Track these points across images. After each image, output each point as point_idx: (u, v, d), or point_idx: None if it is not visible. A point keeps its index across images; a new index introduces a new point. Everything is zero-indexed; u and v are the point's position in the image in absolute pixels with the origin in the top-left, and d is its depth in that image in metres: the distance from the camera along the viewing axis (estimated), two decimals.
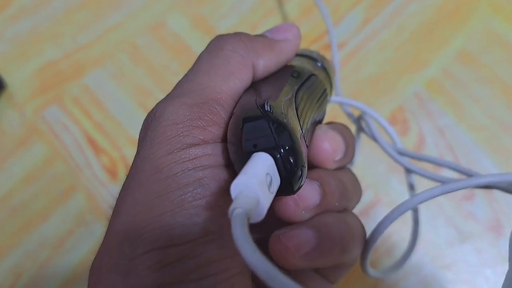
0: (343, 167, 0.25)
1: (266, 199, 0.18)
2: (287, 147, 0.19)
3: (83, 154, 0.44)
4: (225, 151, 0.21)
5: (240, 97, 0.23)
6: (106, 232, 0.20)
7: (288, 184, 0.20)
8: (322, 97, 0.26)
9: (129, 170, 0.21)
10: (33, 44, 0.47)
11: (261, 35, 0.26)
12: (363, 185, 0.42)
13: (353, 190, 0.24)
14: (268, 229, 0.22)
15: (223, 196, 0.20)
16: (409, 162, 0.32)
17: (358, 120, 0.35)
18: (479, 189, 0.41)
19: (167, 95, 0.22)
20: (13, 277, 0.41)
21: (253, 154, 0.19)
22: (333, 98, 0.30)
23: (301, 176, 0.20)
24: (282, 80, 0.24)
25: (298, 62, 0.27)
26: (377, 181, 0.43)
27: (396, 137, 0.33)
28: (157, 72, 0.46)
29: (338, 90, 0.39)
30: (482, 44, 0.46)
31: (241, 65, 0.23)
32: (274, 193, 0.19)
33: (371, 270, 0.28)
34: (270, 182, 0.18)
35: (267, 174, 0.18)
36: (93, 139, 0.45)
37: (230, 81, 0.22)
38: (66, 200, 0.43)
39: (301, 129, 0.21)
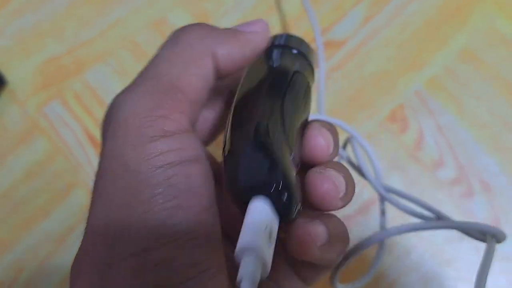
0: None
1: (270, 254, 0.18)
2: (283, 189, 0.20)
3: (84, 150, 0.44)
4: (192, 143, 0.20)
5: (230, 120, 0.22)
6: (84, 235, 0.20)
7: (286, 219, 0.20)
8: (306, 94, 0.26)
9: (97, 169, 0.20)
10: (35, 39, 0.47)
11: (228, 28, 0.25)
12: (361, 183, 0.43)
13: (350, 189, 0.24)
14: None
15: (193, 194, 0.19)
16: (393, 197, 0.32)
17: (344, 144, 0.35)
18: (479, 187, 0.42)
19: (128, 85, 0.22)
20: (14, 272, 0.41)
21: (251, 203, 0.19)
22: (314, 116, 0.30)
23: (297, 206, 0.20)
24: (265, 96, 0.23)
25: (276, 60, 0.26)
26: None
27: (380, 172, 0.34)
28: None
29: (321, 107, 0.39)
30: (484, 42, 0.46)
31: (201, 53, 0.22)
32: (275, 240, 0.19)
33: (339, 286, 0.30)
34: (270, 232, 0.19)
35: (266, 226, 0.19)
36: (93, 136, 0.45)
37: (190, 69, 0.22)
38: (67, 196, 0.43)
39: (290, 148, 0.22)
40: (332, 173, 0.22)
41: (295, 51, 0.27)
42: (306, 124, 0.25)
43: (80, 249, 0.20)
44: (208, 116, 0.28)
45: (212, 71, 0.23)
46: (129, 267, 0.18)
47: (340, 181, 0.22)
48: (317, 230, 0.21)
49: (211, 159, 0.27)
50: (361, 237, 0.28)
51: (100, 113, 0.45)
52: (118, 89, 0.44)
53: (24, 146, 0.44)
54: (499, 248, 0.40)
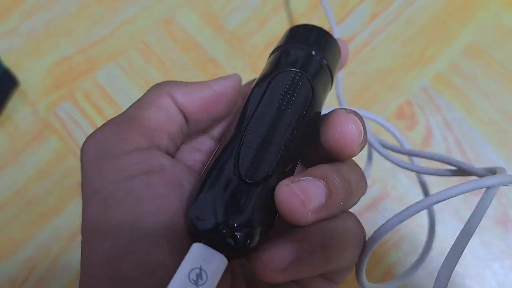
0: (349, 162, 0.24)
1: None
2: (226, 232, 0.19)
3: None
4: (151, 157, 0.22)
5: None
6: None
7: (237, 255, 0.20)
8: (328, 89, 0.25)
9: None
10: (46, 40, 0.48)
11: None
12: (370, 179, 0.43)
13: (358, 186, 0.23)
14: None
15: (158, 201, 0.20)
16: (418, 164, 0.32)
17: None
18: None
19: None
20: (27, 270, 0.42)
21: (192, 246, 0.19)
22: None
23: (250, 241, 0.20)
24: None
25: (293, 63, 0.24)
26: (385, 175, 0.43)
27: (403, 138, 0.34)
28: (167, 67, 0.46)
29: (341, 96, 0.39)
30: (491, 38, 0.46)
31: (157, 95, 0.24)
32: (217, 277, 0.18)
33: (366, 283, 0.27)
34: (199, 275, 0.18)
35: (191, 270, 0.18)
36: None
37: (148, 108, 0.23)
38: (78, 194, 0.44)
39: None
40: (351, 115, 0.22)
41: (310, 51, 0.25)
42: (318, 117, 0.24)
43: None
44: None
45: (171, 107, 0.24)
46: (104, 275, 0.19)
47: (359, 123, 0.22)
48: (272, 253, 0.20)
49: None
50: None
51: (110, 112, 0.46)
52: (128, 88, 0.46)
53: (36, 146, 0.45)
54: (507, 242, 0.40)
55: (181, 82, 0.25)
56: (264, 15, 0.48)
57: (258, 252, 0.20)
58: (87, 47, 0.48)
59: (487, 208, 0.22)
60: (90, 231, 0.20)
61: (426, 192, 0.35)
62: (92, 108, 0.46)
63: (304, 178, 0.21)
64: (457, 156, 0.43)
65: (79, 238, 0.21)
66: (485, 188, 0.24)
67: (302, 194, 0.20)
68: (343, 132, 0.22)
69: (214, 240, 0.19)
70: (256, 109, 0.22)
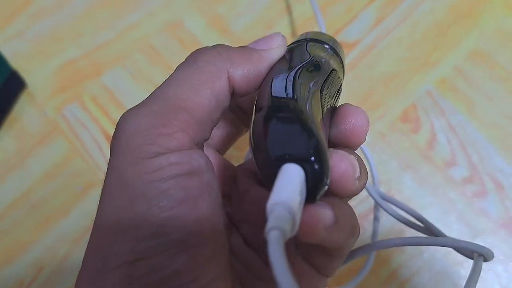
0: None
1: (299, 215, 0.18)
2: (318, 161, 0.19)
3: (101, 151, 0.45)
4: (192, 158, 0.21)
5: (271, 76, 0.23)
6: (87, 246, 0.21)
7: (312, 196, 0.19)
8: (338, 93, 0.26)
9: (103, 184, 0.21)
10: (53, 43, 0.48)
11: (243, 46, 0.26)
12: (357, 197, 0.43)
13: (363, 172, 0.24)
14: None
15: (189, 205, 0.20)
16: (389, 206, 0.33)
17: None
18: (491, 186, 0.42)
19: (137, 104, 0.22)
20: (34, 271, 0.42)
21: (284, 166, 0.19)
22: None
23: (327, 182, 0.20)
24: (313, 71, 0.24)
25: (317, 52, 0.26)
26: (390, 177, 0.43)
27: (378, 179, 0.34)
28: (173, 70, 0.47)
29: None
30: (495, 43, 0.46)
31: (213, 75, 0.23)
32: (303, 206, 0.19)
33: None
34: (301, 198, 0.18)
35: (300, 189, 0.18)
36: (110, 137, 0.45)
37: (200, 90, 0.22)
38: (84, 197, 0.44)
39: (322, 113, 0.22)
40: (345, 153, 0.22)
41: (326, 46, 0.27)
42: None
43: (82, 262, 0.21)
44: (219, 130, 0.29)
45: (225, 91, 0.23)
46: (119, 276, 0.19)
47: (354, 161, 0.22)
48: (322, 211, 0.20)
49: (226, 171, 0.28)
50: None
51: (117, 115, 0.46)
52: (134, 91, 0.46)
53: (43, 148, 0.45)
54: (511, 245, 0.40)
55: (239, 54, 0.24)
56: (269, 19, 0.48)
57: (307, 208, 0.20)
58: (94, 50, 0.48)
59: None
60: (110, 226, 0.20)
61: None
62: (99, 111, 0.46)
63: (341, 149, 0.22)
64: (461, 159, 0.43)
65: (86, 239, 0.20)
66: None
67: (351, 160, 0.22)
68: (355, 122, 0.24)
69: (311, 168, 0.19)
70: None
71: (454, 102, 0.45)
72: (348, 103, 0.25)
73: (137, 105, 0.22)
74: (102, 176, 0.44)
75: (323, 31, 0.43)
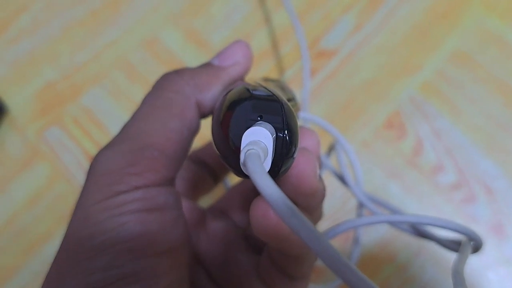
0: None
1: (271, 159, 0.18)
2: (291, 130, 0.19)
3: (85, 173, 0.45)
4: (157, 195, 0.21)
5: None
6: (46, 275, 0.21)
7: (277, 164, 0.19)
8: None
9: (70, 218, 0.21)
10: (32, 66, 0.48)
11: (207, 65, 0.25)
12: (342, 197, 0.43)
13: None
14: None
15: (146, 239, 0.20)
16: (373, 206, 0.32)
17: (329, 150, 0.35)
18: (479, 191, 0.41)
19: (109, 142, 0.22)
20: None
21: (258, 122, 0.19)
22: (307, 115, 0.30)
23: (290, 163, 0.19)
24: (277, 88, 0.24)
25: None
26: (376, 186, 0.43)
27: (361, 178, 0.33)
28: None
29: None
30: (476, 44, 0.46)
31: (183, 107, 0.22)
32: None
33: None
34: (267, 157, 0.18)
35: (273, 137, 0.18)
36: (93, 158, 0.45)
37: (170, 124, 0.22)
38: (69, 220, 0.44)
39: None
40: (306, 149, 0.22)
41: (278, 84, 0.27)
42: None
43: None
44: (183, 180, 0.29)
45: (196, 119, 0.23)
46: None
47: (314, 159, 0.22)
48: (313, 159, 0.21)
49: (192, 212, 0.28)
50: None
51: (99, 135, 0.46)
52: (115, 110, 0.46)
53: (26, 173, 0.45)
54: (501, 249, 0.40)
55: (206, 77, 0.24)
56: (247, 31, 0.48)
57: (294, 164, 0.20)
58: (72, 71, 0.48)
59: None
60: (68, 257, 0.20)
61: None
62: (81, 132, 0.46)
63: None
64: (447, 165, 0.43)
65: None
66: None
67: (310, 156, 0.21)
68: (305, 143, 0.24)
69: (284, 135, 0.19)
70: None
71: (438, 106, 0.44)
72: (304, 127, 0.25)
73: (108, 144, 0.22)
74: None
75: (302, 40, 0.42)
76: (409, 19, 0.47)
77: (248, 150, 0.16)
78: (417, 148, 0.43)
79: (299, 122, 0.26)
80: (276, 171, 0.19)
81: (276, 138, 0.18)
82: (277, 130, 0.19)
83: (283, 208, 0.14)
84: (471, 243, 0.25)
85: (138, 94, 0.46)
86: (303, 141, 0.23)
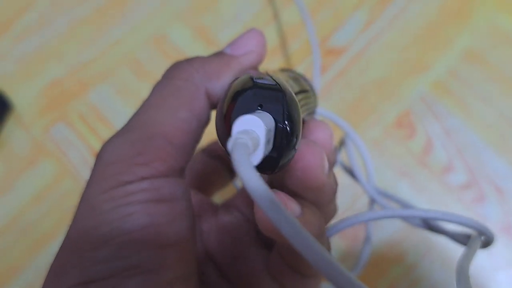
0: None
1: (263, 149, 0.17)
2: (292, 120, 0.18)
3: (91, 170, 0.44)
4: (165, 185, 0.20)
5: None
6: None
7: (276, 159, 0.19)
8: (310, 114, 0.26)
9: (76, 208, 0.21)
10: (38, 63, 0.48)
11: (219, 53, 0.24)
12: (353, 192, 0.42)
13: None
14: None
15: (152, 230, 0.19)
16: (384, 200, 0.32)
17: (340, 145, 0.35)
18: (490, 190, 0.41)
19: (116, 132, 0.22)
20: None
21: (257, 111, 0.18)
22: (319, 110, 0.29)
23: (291, 154, 0.19)
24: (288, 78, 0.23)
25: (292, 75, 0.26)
26: (386, 185, 0.42)
27: (373, 173, 0.33)
28: None
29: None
30: (487, 42, 0.45)
31: (192, 95, 0.22)
32: (266, 151, 0.18)
33: None
34: (269, 140, 0.18)
35: (269, 130, 0.18)
36: None
37: (179, 113, 0.21)
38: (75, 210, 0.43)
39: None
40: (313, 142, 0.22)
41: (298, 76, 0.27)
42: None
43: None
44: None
45: (205, 109, 0.23)
46: None
47: (322, 152, 0.22)
48: (288, 202, 0.20)
49: (202, 206, 0.28)
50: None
51: (105, 132, 0.45)
52: (122, 107, 0.45)
53: (32, 170, 0.45)
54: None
55: (216, 65, 0.23)
56: (257, 28, 0.47)
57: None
58: (79, 68, 0.47)
59: None
60: (71, 248, 0.20)
61: None
62: (87, 129, 0.46)
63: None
64: (458, 164, 0.42)
65: None
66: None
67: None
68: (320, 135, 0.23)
69: (285, 124, 0.18)
70: None
71: (448, 105, 0.44)
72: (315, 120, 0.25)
73: (116, 133, 0.22)
74: None
75: (313, 37, 0.42)
76: (421, 16, 0.47)
77: (236, 139, 0.16)
78: (427, 147, 0.43)
79: (317, 117, 0.26)
80: (276, 162, 0.19)
81: (276, 128, 0.18)
82: (277, 120, 0.18)
83: (265, 201, 0.14)
84: (482, 237, 0.25)
85: (145, 91, 0.45)
86: (314, 134, 0.23)
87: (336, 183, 0.24)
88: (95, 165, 0.21)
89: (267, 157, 0.18)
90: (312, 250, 0.13)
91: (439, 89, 0.44)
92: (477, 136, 0.43)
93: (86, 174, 0.44)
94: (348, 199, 0.42)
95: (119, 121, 0.46)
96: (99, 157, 0.21)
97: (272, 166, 0.19)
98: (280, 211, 0.14)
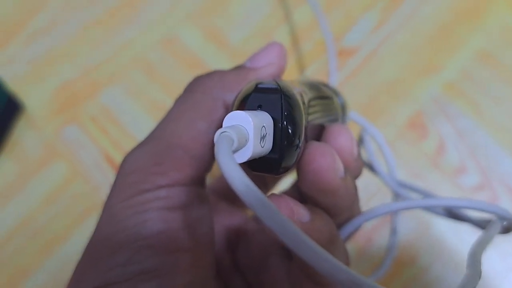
0: None
1: (255, 146, 0.17)
2: (292, 121, 0.19)
3: (103, 172, 0.45)
4: (181, 194, 0.21)
5: None
6: None
7: (278, 159, 0.19)
8: (331, 117, 0.26)
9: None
10: (49, 64, 0.48)
11: (239, 67, 0.25)
12: (370, 186, 0.42)
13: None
14: None
15: (166, 236, 0.20)
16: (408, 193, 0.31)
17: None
18: (503, 192, 0.40)
19: (138, 143, 0.23)
20: None
21: (254, 111, 0.19)
22: None
23: (294, 156, 0.19)
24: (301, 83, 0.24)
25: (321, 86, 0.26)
26: None
27: (394, 166, 0.33)
28: (172, 86, 0.46)
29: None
30: (500, 43, 0.45)
31: (210, 108, 0.23)
32: (264, 150, 0.18)
33: None
34: (263, 137, 0.18)
35: (263, 126, 0.18)
36: (111, 157, 0.45)
37: (197, 125, 0.22)
38: (87, 219, 0.43)
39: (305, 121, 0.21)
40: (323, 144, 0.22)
41: (339, 99, 0.28)
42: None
43: None
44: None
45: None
46: None
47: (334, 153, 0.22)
48: (296, 207, 0.21)
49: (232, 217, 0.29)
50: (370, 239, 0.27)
51: (116, 134, 0.45)
52: (133, 109, 0.45)
53: (44, 171, 0.45)
54: None
55: (235, 78, 0.24)
56: (268, 29, 0.47)
57: (283, 198, 0.21)
58: (91, 69, 0.47)
59: None
60: (90, 253, 0.21)
61: None
62: (98, 131, 0.46)
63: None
64: (470, 166, 0.42)
65: None
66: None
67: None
68: (337, 143, 0.24)
69: (283, 123, 0.19)
70: None
71: (461, 106, 0.44)
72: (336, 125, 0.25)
73: (137, 145, 0.23)
74: (103, 198, 0.43)
75: (328, 37, 0.42)
76: (433, 17, 0.46)
77: (221, 132, 0.16)
78: (439, 148, 0.43)
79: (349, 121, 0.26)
80: (278, 163, 0.19)
81: (275, 127, 0.19)
82: (275, 119, 0.19)
83: (242, 188, 0.15)
84: (504, 222, 0.25)
85: (156, 93, 0.46)
86: (334, 138, 0.23)
87: (355, 188, 0.24)
88: (116, 175, 0.22)
89: (269, 157, 0.19)
90: (287, 230, 0.14)
91: (451, 90, 0.44)
92: (490, 137, 0.43)
93: (97, 176, 0.44)
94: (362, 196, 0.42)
95: (131, 123, 0.46)
96: (121, 167, 0.22)
97: (275, 167, 0.19)
98: (257, 196, 0.14)
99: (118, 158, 0.45)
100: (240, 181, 0.15)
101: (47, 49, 0.48)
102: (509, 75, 0.44)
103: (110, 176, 0.44)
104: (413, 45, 0.46)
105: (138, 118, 0.46)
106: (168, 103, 0.45)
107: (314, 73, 0.46)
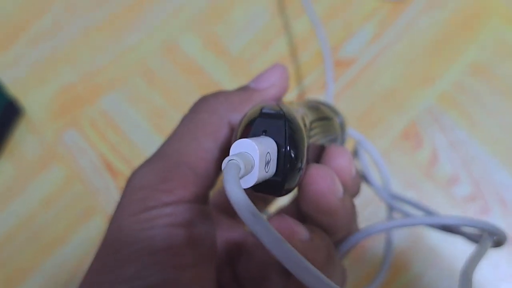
0: None
1: (260, 172, 0.18)
2: (294, 145, 0.20)
3: (101, 176, 0.45)
4: (186, 211, 0.22)
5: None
6: None
7: (281, 182, 0.20)
8: (331, 140, 0.27)
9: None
10: (50, 68, 0.48)
11: (243, 87, 0.26)
12: (364, 198, 0.43)
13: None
14: None
15: (170, 253, 0.21)
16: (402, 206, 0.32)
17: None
18: (495, 203, 0.41)
19: (145, 160, 0.24)
20: None
21: (261, 136, 0.20)
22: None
23: (296, 178, 0.20)
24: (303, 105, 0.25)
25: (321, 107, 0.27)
26: None
27: (388, 178, 0.34)
28: (172, 93, 0.47)
29: None
30: (494, 56, 0.46)
31: (216, 127, 0.23)
32: (268, 174, 0.19)
33: None
34: (268, 163, 0.19)
35: (268, 153, 0.19)
36: (109, 162, 0.45)
37: (203, 143, 0.23)
38: (85, 223, 0.44)
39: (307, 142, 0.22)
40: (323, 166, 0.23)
41: (338, 119, 0.30)
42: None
43: None
44: None
45: (228, 139, 0.24)
46: None
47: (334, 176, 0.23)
48: (296, 227, 0.22)
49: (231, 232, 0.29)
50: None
51: (116, 139, 0.46)
52: (132, 114, 0.46)
53: (43, 174, 0.45)
54: None
55: (239, 98, 0.25)
56: (267, 38, 0.48)
57: (284, 219, 0.22)
58: (91, 74, 0.48)
59: None
60: (97, 269, 0.21)
61: None
62: (98, 136, 0.46)
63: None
64: (463, 176, 0.43)
65: (86, 267, 0.22)
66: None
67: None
68: (336, 163, 0.25)
69: (287, 147, 0.20)
70: None
71: (455, 118, 0.44)
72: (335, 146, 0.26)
73: (144, 161, 0.23)
74: (101, 202, 0.44)
75: (326, 47, 0.43)
76: (429, 30, 0.47)
77: (228, 160, 0.17)
78: (433, 159, 0.44)
79: (347, 137, 0.27)
80: (281, 186, 0.20)
81: (278, 152, 0.19)
82: (279, 144, 0.20)
83: (247, 214, 0.15)
84: (494, 237, 0.25)
85: (156, 99, 0.46)
86: (333, 159, 0.24)
87: (353, 206, 0.25)
88: (124, 189, 0.23)
89: (272, 180, 0.20)
90: (292, 259, 0.15)
91: (445, 101, 0.45)
92: (483, 149, 0.44)
93: (95, 180, 0.45)
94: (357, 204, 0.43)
95: (130, 128, 0.46)
96: (128, 182, 0.23)
97: (278, 189, 0.20)
98: (262, 224, 0.15)
99: (116, 163, 0.45)
100: (247, 210, 0.15)
101: (47, 53, 0.49)
102: (502, 88, 0.45)
103: (108, 180, 0.45)
104: (408, 57, 0.47)
105: (137, 124, 0.46)
106: (167, 109, 0.46)
107: (311, 83, 0.47)
